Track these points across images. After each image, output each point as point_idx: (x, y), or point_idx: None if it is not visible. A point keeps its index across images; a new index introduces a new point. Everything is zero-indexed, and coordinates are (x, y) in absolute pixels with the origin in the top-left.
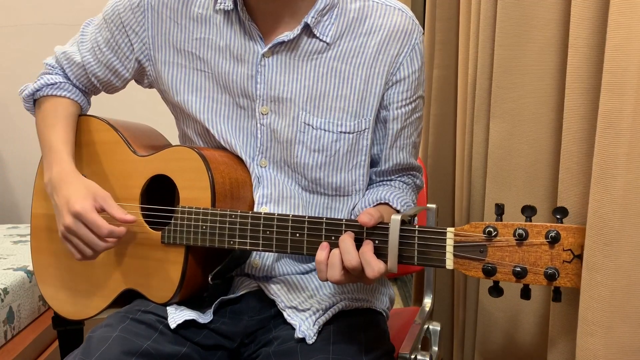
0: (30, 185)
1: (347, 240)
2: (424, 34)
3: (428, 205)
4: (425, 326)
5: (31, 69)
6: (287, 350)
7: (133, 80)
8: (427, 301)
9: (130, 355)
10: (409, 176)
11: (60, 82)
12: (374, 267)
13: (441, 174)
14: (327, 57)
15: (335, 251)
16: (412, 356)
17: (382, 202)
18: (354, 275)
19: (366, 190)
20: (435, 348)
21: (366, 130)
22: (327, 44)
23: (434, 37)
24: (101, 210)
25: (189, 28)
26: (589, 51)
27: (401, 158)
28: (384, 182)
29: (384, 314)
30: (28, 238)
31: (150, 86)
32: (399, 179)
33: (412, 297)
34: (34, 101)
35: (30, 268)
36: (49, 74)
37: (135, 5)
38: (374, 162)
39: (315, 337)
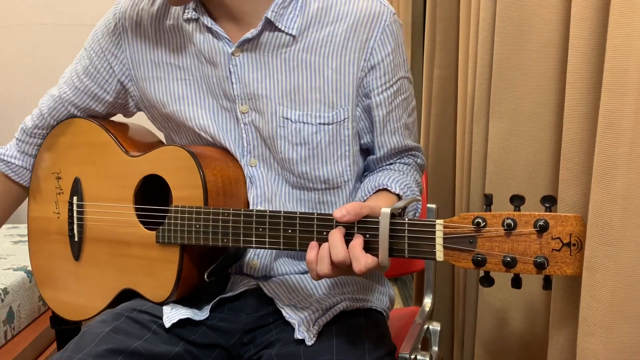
0: None
1: (335, 234)
2: (395, 13)
3: (428, 205)
4: (425, 326)
5: (31, 69)
6: (289, 353)
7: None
8: (427, 301)
9: (118, 354)
10: (409, 156)
11: None
12: (361, 261)
13: (441, 173)
14: (295, 50)
15: (325, 245)
16: (412, 356)
17: (381, 188)
18: (343, 269)
19: (365, 177)
20: (435, 348)
21: (346, 120)
22: (293, 36)
23: (434, 37)
24: None
25: (164, 40)
26: (589, 51)
27: (395, 142)
28: (384, 167)
29: (385, 314)
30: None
31: (138, 109)
32: (398, 161)
33: (412, 297)
34: None
35: (30, 268)
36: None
37: (111, 30)
38: (370, 151)
39: (314, 339)
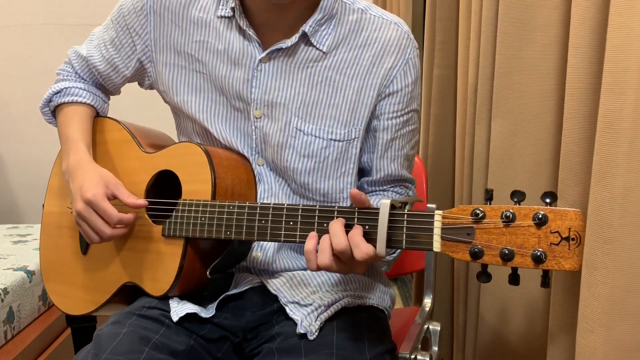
0: (30, 185)
1: (336, 224)
2: (418, 48)
3: (428, 205)
4: (425, 326)
5: (31, 69)
6: (290, 347)
7: (135, 83)
8: (427, 301)
9: (145, 345)
10: (402, 187)
11: (67, 88)
12: (362, 248)
13: (441, 173)
14: (322, 66)
15: (325, 237)
16: (412, 356)
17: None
18: (343, 262)
19: None
20: (435, 348)
21: (356, 139)
22: (324, 53)
23: (434, 37)
24: (112, 198)
25: (189, 30)
26: (589, 51)
27: (393, 169)
28: (377, 192)
29: (386, 313)
30: (28, 238)
31: (151, 87)
32: (391, 189)
33: (412, 297)
34: (52, 113)
35: (30, 268)
36: (58, 80)
37: (139, 9)
38: (365, 172)
39: (316, 333)
